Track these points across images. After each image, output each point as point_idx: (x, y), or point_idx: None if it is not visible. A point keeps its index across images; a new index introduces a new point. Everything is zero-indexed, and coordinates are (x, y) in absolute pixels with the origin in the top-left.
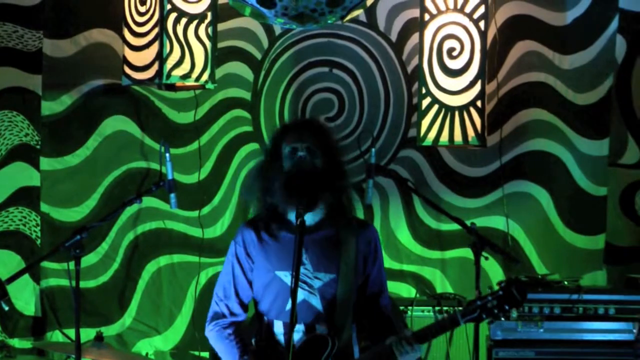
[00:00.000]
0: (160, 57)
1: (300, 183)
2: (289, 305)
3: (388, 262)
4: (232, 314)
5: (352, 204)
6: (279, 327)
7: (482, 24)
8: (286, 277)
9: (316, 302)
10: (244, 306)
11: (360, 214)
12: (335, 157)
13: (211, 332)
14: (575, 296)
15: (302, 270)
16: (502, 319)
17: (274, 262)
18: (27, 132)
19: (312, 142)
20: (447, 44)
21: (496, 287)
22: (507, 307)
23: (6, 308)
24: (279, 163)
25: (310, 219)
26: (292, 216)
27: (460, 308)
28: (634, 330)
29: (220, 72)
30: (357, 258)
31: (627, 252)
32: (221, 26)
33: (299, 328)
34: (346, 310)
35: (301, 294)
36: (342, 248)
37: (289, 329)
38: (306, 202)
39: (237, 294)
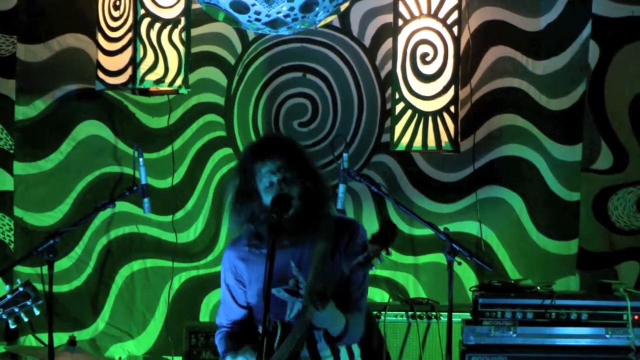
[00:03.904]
0: (134, 62)
1: (285, 224)
2: (286, 318)
3: None
4: (226, 327)
5: (330, 206)
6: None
7: (455, 29)
8: (278, 292)
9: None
10: (236, 323)
11: None
12: (310, 171)
13: (216, 342)
14: (548, 301)
15: (292, 283)
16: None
17: (263, 280)
18: (0, 136)
19: (288, 169)
20: (421, 49)
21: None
22: (377, 247)
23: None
24: (256, 191)
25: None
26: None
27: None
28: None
29: (193, 77)
30: (330, 256)
31: (600, 257)
32: (195, 31)
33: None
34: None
35: (297, 305)
36: (315, 250)
37: (263, 330)
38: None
39: (228, 316)
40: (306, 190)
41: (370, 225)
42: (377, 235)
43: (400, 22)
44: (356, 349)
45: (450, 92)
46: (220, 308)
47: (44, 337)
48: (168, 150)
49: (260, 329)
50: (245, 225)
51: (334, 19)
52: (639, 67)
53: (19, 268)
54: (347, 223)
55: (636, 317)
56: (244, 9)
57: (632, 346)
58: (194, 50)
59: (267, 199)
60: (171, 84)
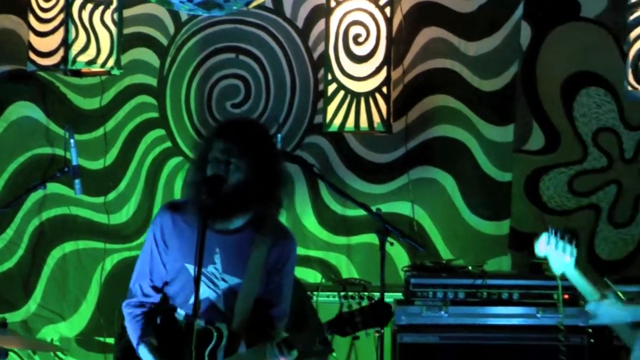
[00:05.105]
0: (66, 43)
1: (211, 204)
2: (192, 300)
3: None
4: (144, 294)
5: (279, 211)
6: (180, 315)
7: (387, 10)
8: (193, 270)
9: (219, 301)
10: (156, 289)
11: None
12: (264, 168)
13: (124, 310)
14: (479, 281)
15: (211, 269)
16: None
17: (185, 253)
18: None
19: (238, 156)
20: (353, 31)
21: (367, 304)
22: (369, 324)
23: None
24: (206, 160)
25: (231, 223)
26: None
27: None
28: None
29: (126, 58)
30: (265, 266)
31: (531, 237)
32: (127, 12)
33: (200, 322)
34: (244, 312)
35: (206, 292)
36: (253, 253)
37: (190, 320)
38: (217, 219)
39: (150, 276)
40: (248, 182)
41: (304, 207)
42: (368, 312)
43: (333, 3)
44: None
45: (383, 73)
46: (139, 271)
47: None
48: (100, 131)
49: (178, 313)
50: (184, 189)
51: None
52: (571, 49)
53: None
54: (283, 236)
55: (566, 296)
56: None
57: (561, 326)
58: (126, 31)
59: (209, 170)
60: (103, 65)
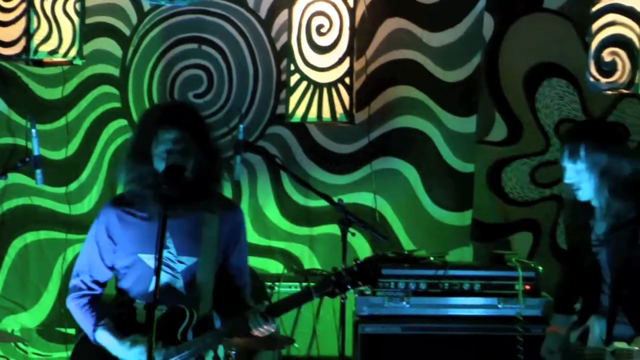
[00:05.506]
0: (28, 33)
1: (174, 195)
2: (151, 288)
3: (256, 239)
4: (88, 288)
5: (220, 186)
6: (140, 306)
7: (350, 1)
8: (149, 260)
9: (179, 285)
10: (99, 284)
11: (228, 190)
12: (211, 148)
13: (70, 304)
14: (441, 272)
15: (165, 253)
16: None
17: (137, 244)
18: None
19: (191, 142)
20: (316, 21)
21: (352, 264)
22: (360, 284)
23: None
24: (149, 154)
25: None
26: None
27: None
28: None
29: (88, 48)
30: (219, 239)
31: (493, 228)
32: (89, 2)
33: (161, 308)
34: (207, 290)
35: (164, 277)
36: (204, 230)
37: (151, 309)
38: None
39: (90, 272)
40: (201, 165)
41: (266, 198)
42: (357, 271)
43: None
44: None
45: (346, 64)
46: (80, 267)
47: None
48: (62, 121)
49: (137, 303)
50: (130, 184)
51: None
52: (533, 40)
53: None
54: (230, 207)
55: (527, 287)
56: None
57: (520, 317)
58: (88, 21)
59: (159, 165)
60: (65, 54)
